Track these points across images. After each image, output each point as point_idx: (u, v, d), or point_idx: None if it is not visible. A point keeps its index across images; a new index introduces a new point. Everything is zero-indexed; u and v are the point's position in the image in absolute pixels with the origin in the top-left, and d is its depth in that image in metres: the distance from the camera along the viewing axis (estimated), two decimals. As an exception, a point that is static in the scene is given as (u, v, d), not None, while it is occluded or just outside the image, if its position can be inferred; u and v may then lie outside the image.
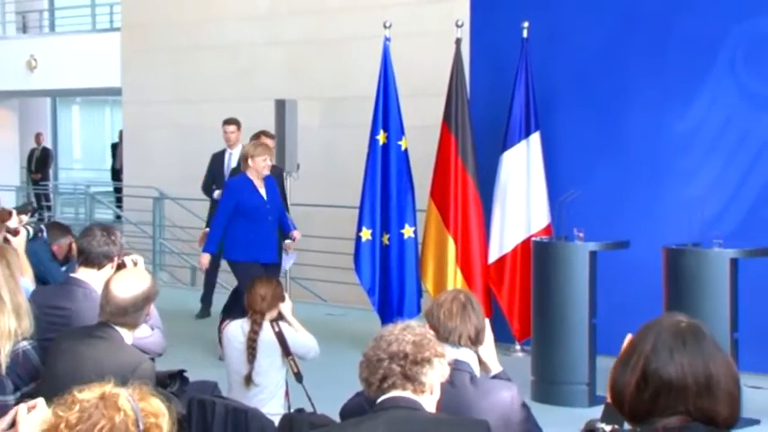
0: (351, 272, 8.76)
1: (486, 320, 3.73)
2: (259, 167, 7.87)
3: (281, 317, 5.70)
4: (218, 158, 9.92)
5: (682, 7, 8.08)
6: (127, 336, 4.03)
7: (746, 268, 6.68)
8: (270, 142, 8.84)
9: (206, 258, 8.08)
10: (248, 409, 4.63)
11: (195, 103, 13.56)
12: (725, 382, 2.20)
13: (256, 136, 8.98)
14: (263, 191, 7.93)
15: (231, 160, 9.83)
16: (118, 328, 3.99)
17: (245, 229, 7.86)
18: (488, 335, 3.72)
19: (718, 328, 6.21)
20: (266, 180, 7.97)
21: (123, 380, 2.23)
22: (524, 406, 3.56)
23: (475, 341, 3.64)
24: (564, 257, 7.14)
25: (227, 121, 9.88)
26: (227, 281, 11.26)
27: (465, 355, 3.59)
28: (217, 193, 9.80)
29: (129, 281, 4.07)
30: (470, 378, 3.52)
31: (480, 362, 3.70)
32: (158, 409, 2.13)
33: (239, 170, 9.56)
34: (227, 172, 9.80)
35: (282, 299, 5.69)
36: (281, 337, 5.53)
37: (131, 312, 3.99)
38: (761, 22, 7.79)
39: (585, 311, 7.02)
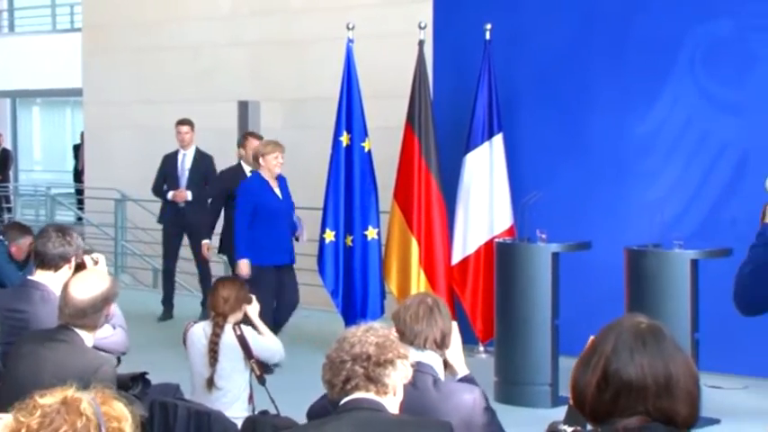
0: (314, 273, 8.74)
1: (454, 324, 3.74)
2: (271, 165, 7.79)
3: (247, 319, 5.64)
4: (170, 159, 9.90)
5: (641, 8, 8.14)
6: (87, 338, 3.99)
7: (707, 269, 6.73)
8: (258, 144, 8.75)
9: (246, 265, 7.79)
10: (211, 412, 4.60)
11: (157, 104, 13.47)
12: (684, 382, 2.21)
13: (244, 137, 8.96)
14: (278, 191, 7.87)
15: (185, 161, 9.82)
16: (77, 330, 3.95)
17: (261, 232, 7.77)
18: (456, 338, 3.73)
19: (679, 329, 6.25)
20: (279, 179, 7.90)
21: (85, 383, 2.21)
22: (488, 409, 3.54)
23: (441, 345, 3.64)
24: (526, 259, 7.16)
25: (181, 122, 9.87)
26: (186, 281, 11.22)
27: (429, 357, 3.59)
28: (171, 194, 9.77)
29: (88, 282, 4.03)
30: (433, 381, 3.52)
31: (447, 365, 3.71)
32: (121, 414, 2.12)
33: (200, 168, 9.56)
34: (180, 173, 9.79)
35: (248, 301, 5.62)
36: (242, 341, 5.48)
37: (90, 314, 3.95)
38: (719, 24, 7.86)
39: (548, 312, 7.04)
